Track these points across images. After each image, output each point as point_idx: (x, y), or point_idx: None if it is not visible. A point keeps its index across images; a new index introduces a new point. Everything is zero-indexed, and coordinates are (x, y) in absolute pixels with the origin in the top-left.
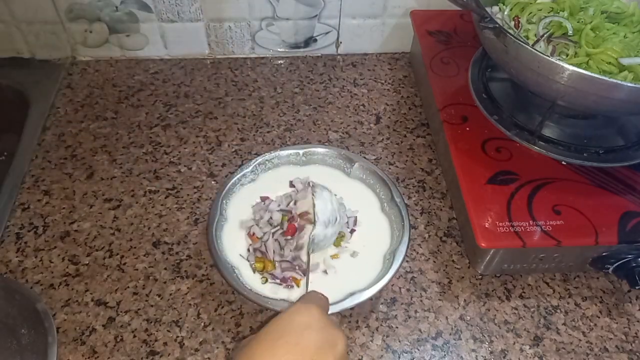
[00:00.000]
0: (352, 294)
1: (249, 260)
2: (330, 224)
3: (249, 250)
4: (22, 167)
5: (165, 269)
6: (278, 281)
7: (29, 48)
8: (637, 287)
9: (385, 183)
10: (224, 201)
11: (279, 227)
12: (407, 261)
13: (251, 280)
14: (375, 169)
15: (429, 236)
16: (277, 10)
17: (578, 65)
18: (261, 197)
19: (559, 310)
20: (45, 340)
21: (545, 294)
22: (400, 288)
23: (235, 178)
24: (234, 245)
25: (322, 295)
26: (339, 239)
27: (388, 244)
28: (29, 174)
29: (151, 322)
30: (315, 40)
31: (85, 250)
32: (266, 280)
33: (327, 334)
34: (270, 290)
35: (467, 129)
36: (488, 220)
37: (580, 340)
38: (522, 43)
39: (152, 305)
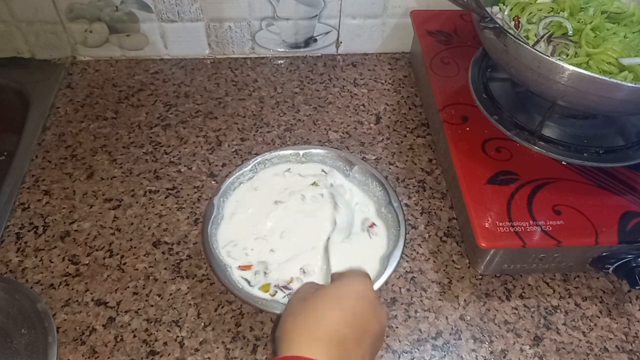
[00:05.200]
0: None
1: (252, 285)
2: (346, 227)
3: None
4: (22, 167)
5: (165, 269)
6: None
7: (29, 48)
8: (637, 287)
9: (383, 186)
10: (222, 199)
11: None
12: (407, 261)
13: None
14: (374, 171)
15: (429, 236)
16: (277, 10)
17: (578, 65)
18: None
19: (559, 310)
20: (45, 340)
21: (545, 294)
22: (400, 288)
23: (234, 177)
24: (231, 239)
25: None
26: None
27: (384, 247)
28: (29, 173)
29: (151, 322)
30: (316, 40)
31: (85, 250)
32: (275, 293)
33: (377, 308)
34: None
35: (467, 129)
36: (488, 220)
37: (580, 340)
38: (522, 43)
39: (152, 305)
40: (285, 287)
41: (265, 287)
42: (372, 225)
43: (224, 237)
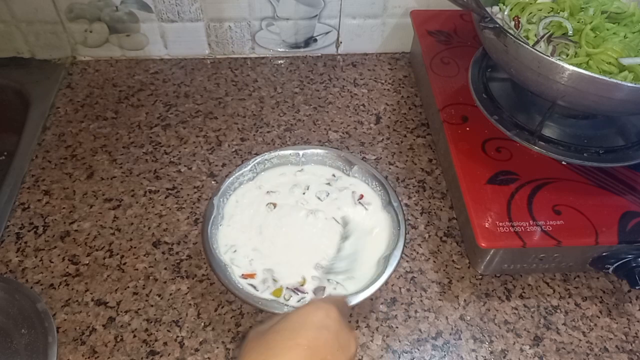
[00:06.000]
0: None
1: (258, 290)
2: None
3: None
4: (22, 167)
5: (165, 269)
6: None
7: (29, 48)
8: (637, 287)
9: (383, 186)
10: (222, 199)
11: None
12: (407, 261)
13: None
14: (374, 171)
15: (429, 236)
16: (277, 10)
17: (578, 65)
18: None
19: (559, 310)
20: (45, 340)
21: (545, 294)
22: (400, 288)
23: (234, 177)
24: (231, 244)
25: (343, 298)
26: None
27: (384, 247)
28: (29, 173)
29: (151, 322)
30: (316, 40)
31: (85, 250)
32: (290, 297)
33: (341, 338)
34: (245, 265)
35: (467, 129)
36: (488, 220)
37: (580, 340)
38: (522, 43)
39: (152, 305)
40: (298, 290)
41: (277, 292)
42: (362, 196)
43: (225, 241)
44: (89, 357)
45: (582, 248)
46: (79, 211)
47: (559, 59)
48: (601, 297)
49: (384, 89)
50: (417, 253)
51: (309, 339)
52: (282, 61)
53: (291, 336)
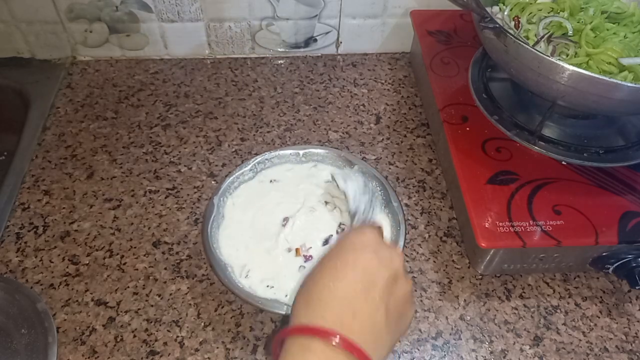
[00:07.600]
0: None
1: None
2: (361, 200)
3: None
4: (22, 167)
5: (165, 269)
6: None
7: (29, 48)
8: (637, 287)
9: (383, 186)
10: (222, 199)
11: None
12: (407, 261)
13: (245, 279)
14: (374, 172)
15: (429, 236)
16: (277, 10)
17: (578, 65)
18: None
19: (559, 310)
20: (45, 340)
21: (545, 294)
22: None
23: (234, 177)
24: (231, 244)
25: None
26: None
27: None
28: (29, 173)
29: (151, 322)
30: (316, 40)
31: (85, 250)
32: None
33: (381, 253)
34: (263, 291)
35: (467, 129)
36: (488, 220)
37: (580, 340)
38: (522, 43)
39: (152, 305)
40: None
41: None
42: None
43: (226, 251)
44: (89, 357)
45: (582, 248)
46: (79, 211)
47: (559, 59)
48: (601, 297)
49: (384, 89)
50: (417, 253)
51: (353, 256)
52: (282, 61)
53: (331, 269)
